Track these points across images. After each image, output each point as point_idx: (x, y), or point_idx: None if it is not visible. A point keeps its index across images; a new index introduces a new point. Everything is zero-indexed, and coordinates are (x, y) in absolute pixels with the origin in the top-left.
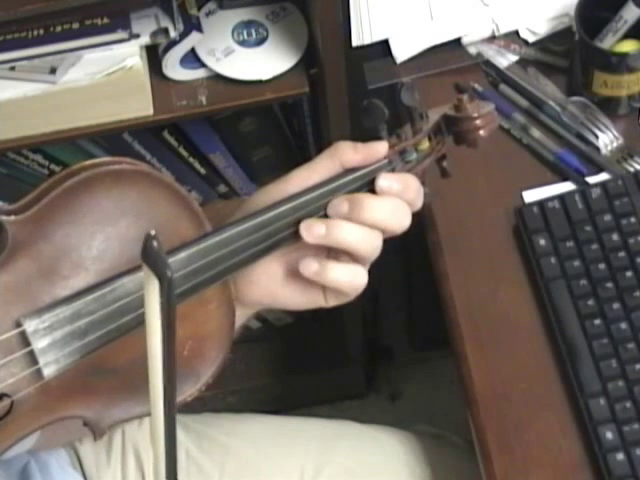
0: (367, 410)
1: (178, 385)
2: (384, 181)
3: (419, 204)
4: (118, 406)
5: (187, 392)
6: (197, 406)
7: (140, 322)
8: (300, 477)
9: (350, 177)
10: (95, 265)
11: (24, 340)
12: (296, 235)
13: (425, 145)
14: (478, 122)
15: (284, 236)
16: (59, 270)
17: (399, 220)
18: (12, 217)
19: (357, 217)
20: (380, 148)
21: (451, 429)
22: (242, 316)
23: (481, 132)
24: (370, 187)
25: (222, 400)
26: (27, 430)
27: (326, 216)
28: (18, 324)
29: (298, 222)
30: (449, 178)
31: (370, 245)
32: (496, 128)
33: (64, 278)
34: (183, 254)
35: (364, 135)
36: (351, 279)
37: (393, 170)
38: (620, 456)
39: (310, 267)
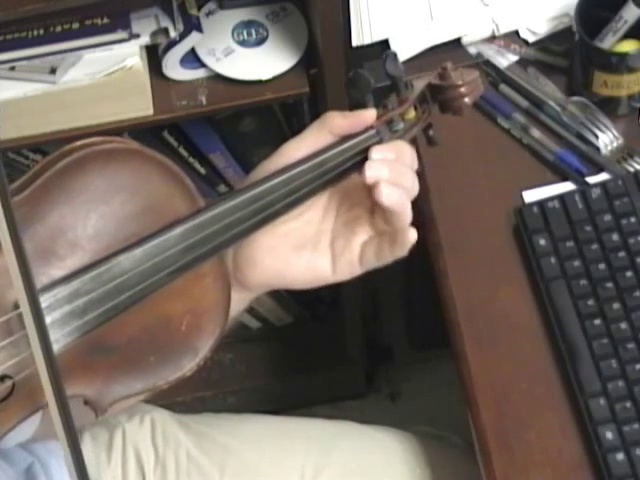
0: (367, 410)
1: (177, 360)
2: (377, 154)
3: (416, 166)
4: (119, 383)
5: (186, 367)
6: (197, 406)
7: (137, 300)
8: (300, 477)
9: (339, 148)
10: (91, 244)
11: (23, 321)
12: (289, 207)
13: (411, 115)
14: (463, 90)
15: (277, 209)
16: (55, 250)
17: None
18: None
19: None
20: (368, 115)
21: (451, 429)
22: (246, 300)
23: (466, 99)
24: (360, 158)
25: (222, 400)
26: (29, 411)
27: (322, 186)
28: (17, 305)
29: (290, 194)
30: (435, 146)
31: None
32: (480, 94)
33: (60, 258)
34: (178, 230)
35: None
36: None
37: (381, 141)
38: (620, 456)
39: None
